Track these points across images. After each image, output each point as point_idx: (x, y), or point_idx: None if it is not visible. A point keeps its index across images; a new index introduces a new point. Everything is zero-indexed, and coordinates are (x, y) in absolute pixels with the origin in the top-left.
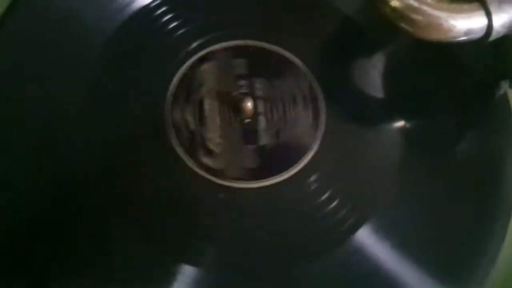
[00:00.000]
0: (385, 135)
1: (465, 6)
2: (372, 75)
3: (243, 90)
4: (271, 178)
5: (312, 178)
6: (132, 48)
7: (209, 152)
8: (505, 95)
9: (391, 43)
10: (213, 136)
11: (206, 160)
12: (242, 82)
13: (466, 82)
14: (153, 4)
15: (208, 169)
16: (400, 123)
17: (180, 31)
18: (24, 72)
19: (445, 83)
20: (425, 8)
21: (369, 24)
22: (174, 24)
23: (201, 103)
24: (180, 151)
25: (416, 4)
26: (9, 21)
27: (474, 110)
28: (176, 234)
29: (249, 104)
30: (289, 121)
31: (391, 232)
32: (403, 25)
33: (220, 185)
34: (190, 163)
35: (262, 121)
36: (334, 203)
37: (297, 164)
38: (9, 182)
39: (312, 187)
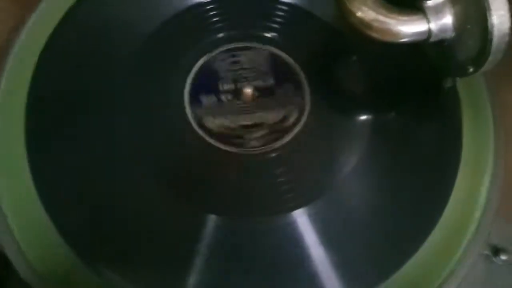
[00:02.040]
0: (354, 125)
1: (411, 14)
2: (347, 72)
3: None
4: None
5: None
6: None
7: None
8: (454, 88)
9: (362, 47)
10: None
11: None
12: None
13: (420, 80)
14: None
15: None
16: (367, 116)
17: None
18: (78, 59)
19: (405, 81)
20: (380, 17)
21: (344, 30)
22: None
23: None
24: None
25: (373, 15)
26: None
27: (427, 104)
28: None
29: (249, 90)
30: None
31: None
32: (365, 30)
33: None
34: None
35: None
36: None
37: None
38: None
39: (277, 162)
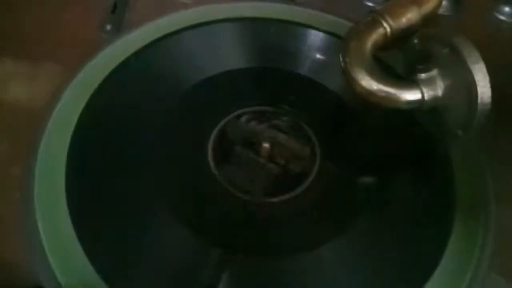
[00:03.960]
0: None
1: (407, 85)
2: (353, 137)
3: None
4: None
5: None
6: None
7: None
8: (446, 154)
9: (367, 116)
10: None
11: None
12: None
13: (415, 146)
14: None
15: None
16: (368, 178)
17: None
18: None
19: (401, 146)
20: (381, 87)
21: (350, 99)
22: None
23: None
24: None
25: (375, 85)
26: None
27: (421, 168)
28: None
29: (266, 146)
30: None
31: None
32: (368, 98)
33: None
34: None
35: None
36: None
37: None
38: None
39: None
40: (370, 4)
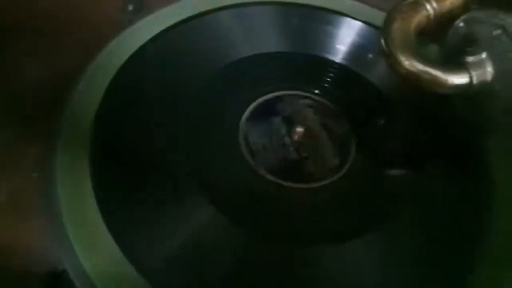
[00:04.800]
0: (392, 176)
1: (454, 68)
2: (387, 128)
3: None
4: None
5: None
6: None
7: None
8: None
9: (405, 112)
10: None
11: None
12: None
13: (452, 139)
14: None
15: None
16: (402, 171)
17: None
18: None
19: (438, 139)
20: (427, 69)
21: (388, 90)
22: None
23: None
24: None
25: (421, 67)
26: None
27: (459, 162)
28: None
29: (301, 130)
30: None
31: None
32: (414, 81)
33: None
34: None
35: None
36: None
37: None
38: None
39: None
40: None
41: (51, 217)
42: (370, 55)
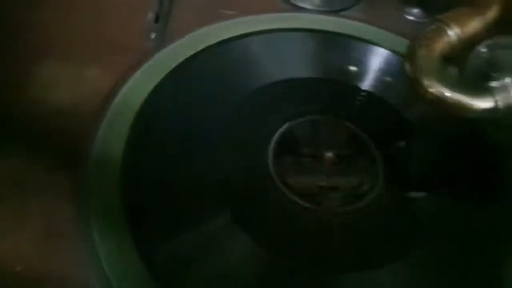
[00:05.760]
0: (420, 201)
1: (480, 93)
2: (413, 152)
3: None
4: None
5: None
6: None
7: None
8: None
9: (426, 129)
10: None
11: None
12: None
13: (477, 158)
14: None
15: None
16: (430, 196)
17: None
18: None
19: (461, 157)
20: (452, 94)
21: (411, 115)
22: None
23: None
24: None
25: (447, 92)
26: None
27: (484, 184)
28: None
29: (330, 155)
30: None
31: None
32: (440, 105)
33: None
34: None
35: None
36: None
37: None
38: None
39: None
40: (410, 18)
41: (85, 246)
42: (394, 81)
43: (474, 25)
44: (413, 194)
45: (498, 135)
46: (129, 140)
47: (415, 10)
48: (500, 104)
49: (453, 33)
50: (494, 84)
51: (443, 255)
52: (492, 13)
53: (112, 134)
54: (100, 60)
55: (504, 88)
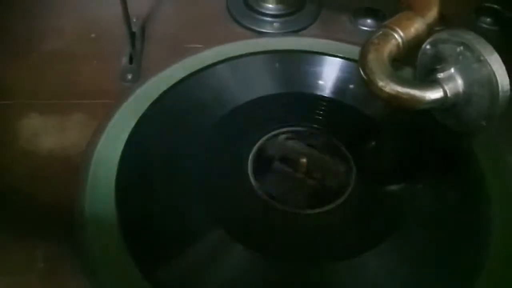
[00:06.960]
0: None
1: (430, 85)
2: (383, 150)
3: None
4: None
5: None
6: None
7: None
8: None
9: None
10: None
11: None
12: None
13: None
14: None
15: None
16: (400, 185)
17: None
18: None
19: (428, 154)
20: (405, 89)
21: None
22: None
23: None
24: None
25: (399, 89)
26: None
27: (446, 168)
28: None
29: (304, 161)
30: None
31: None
32: (395, 101)
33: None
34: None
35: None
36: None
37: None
38: None
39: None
40: (364, 28)
41: (89, 278)
42: (352, 86)
43: (416, 26)
44: (385, 186)
45: (451, 123)
46: (119, 175)
47: (368, 21)
48: (449, 92)
49: (397, 36)
50: (441, 75)
51: (419, 236)
52: (431, 14)
53: (102, 172)
54: (82, 106)
55: (450, 77)
